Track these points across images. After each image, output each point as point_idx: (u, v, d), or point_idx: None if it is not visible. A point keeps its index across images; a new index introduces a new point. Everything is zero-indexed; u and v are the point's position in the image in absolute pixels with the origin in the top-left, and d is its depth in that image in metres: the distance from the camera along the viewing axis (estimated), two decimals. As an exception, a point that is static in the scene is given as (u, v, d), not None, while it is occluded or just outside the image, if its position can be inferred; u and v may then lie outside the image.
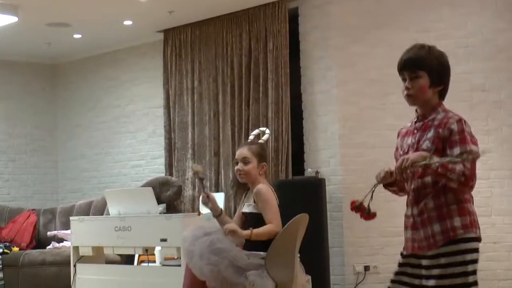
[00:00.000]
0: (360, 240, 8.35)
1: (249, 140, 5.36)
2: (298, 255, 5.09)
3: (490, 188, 8.17)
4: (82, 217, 8.17)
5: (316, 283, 5.83)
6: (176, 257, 6.64)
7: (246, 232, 4.84)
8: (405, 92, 3.68)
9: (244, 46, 9.41)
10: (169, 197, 8.79)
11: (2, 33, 9.76)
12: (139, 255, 7.84)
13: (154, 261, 7.31)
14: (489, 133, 8.27)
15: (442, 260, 3.49)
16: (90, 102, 11.64)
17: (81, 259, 7.10)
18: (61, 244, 9.08)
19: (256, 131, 5.42)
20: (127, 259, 8.15)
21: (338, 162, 8.57)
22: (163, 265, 6.94)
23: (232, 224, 4.91)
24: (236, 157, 5.14)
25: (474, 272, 3.47)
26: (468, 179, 3.44)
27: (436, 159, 3.44)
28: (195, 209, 9.29)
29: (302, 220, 5.00)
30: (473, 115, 8.10)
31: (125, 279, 6.81)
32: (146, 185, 8.58)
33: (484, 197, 8.05)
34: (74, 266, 7.12)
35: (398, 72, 3.75)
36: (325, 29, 8.78)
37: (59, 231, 9.35)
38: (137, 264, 7.87)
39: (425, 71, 3.62)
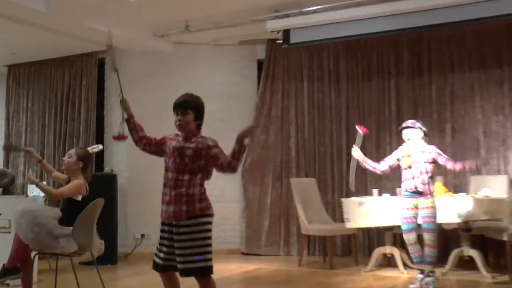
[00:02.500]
0: (138, 217, 8.47)
1: (80, 146, 5.30)
2: (96, 226, 5.08)
3: (224, 185, 8.49)
4: None
5: (108, 246, 5.72)
6: (7, 227, 6.28)
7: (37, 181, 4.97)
8: (178, 123, 3.76)
9: (66, 81, 9.31)
10: (5, 184, 7.81)
11: None
12: (-20, 225, 7.34)
13: (-9, 229, 6.87)
14: (226, 149, 8.17)
15: (184, 229, 3.64)
16: None
17: None
18: None
19: (95, 145, 5.58)
20: (-30, 228, 7.54)
21: (126, 164, 8.64)
22: (-2, 232, 6.46)
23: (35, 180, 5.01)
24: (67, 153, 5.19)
25: (209, 233, 3.69)
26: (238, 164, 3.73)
27: None
28: (24, 193, 8.65)
29: (99, 203, 5.04)
30: (216, 137, 7.90)
31: (-33, 243, 6.30)
32: (-12, 175, 8.09)
33: (220, 190, 8.40)
34: None
35: (173, 109, 3.79)
36: (122, 73, 8.11)
37: None
38: (-23, 231, 7.15)
39: (192, 110, 3.76)
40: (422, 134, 5.90)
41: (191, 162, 3.72)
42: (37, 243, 4.79)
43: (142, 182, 8.49)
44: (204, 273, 3.67)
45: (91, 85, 9.10)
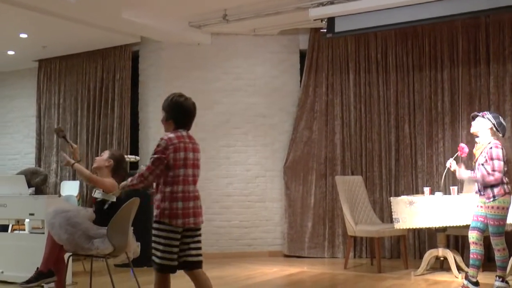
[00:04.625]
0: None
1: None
2: (132, 227, 5.16)
3: (265, 183, 8.72)
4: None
5: (144, 248, 5.51)
6: (40, 227, 6.54)
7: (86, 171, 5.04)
8: None
9: (98, 75, 9.47)
10: (37, 183, 8.48)
11: None
12: (13, 225, 7.48)
13: (24, 230, 7.09)
14: (266, 145, 8.76)
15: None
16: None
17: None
18: (-51, 216, 8.87)
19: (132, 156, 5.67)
20: (3, 228, 7.59)
21: (163, 161, 8.82)
22: (31, 232, 6.69)
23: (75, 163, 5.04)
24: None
25: (159, 243, 3.97)
26: (140, 176, 3.98)
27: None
28: (57, 192, 9.12)
29: (134, 202, 5.06)
30: (256, 133, 8.71)
31: (1, 243, 6.69)
32: (20, 173, 8.32)
33: (261, 189, 8.69)
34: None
35: None
36: (157, 67, 8.93)
37: None
38: (11, 231, 7.41)
39: (164, 111, 4.17)
40: (491, 127, 5.66)
41: None
42: (71, 244, 4.87)
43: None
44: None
45: (125, 80, 9.22)
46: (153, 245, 4.04)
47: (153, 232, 4.04)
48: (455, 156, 6.22)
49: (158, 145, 4.00)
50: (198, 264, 4.16)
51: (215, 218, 8.65)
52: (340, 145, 8.62)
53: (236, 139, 8.84)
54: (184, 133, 4.12)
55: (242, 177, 8.82)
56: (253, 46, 8.97)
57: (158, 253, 4.00)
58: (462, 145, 6.23)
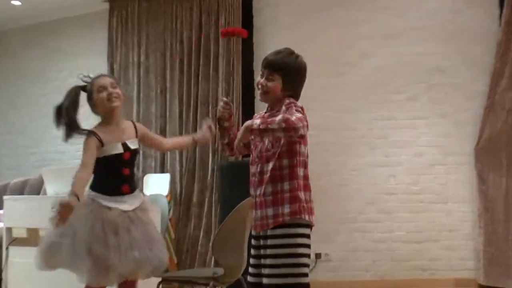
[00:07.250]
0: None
1: None
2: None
3: (446, 174, 7.97)
4: (17, 196, 7.84)
5: None
6: None
7: None
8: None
9: (195, 20, 8.96)
10: None
11: None
12: (81, 238, 7.30)
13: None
14: (446, 117, 8.06)
15: (269, 242, 3.62)
16: (32, 72, 10.73)
17: (15, 241, 6.52)
18: (-7, 224, 8.60)
19: None
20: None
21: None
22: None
23: None
24: None
25: (303, 255, 3.59)
26: (288, 122, 3.44)
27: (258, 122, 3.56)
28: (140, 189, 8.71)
29: (249, 204, 4.37)
30: (430, 98, 8.17)
31: (64, 264, 6.44)
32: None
33: (440, 184, 7.90)
34: (7, 248, 6.54)
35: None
36: (277, 6, 8.56)
37: (-10, 211, 8.90)
38: (78, 248, 7.23)
39: (279, 70, 3.84)
40: None
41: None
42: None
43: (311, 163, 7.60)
44: None
45: (233, 25, 8.69)
46: (296, 260, 3.59)
47: (294, 240, 3.62)
48: None
49: (296, 106, 3.70)
50: None
51: (371, 229, 8.03)
52: None
53: (397, 109, 8.13)
54: None
55: (409, 165, 8.04)
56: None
57: (305, 270, 3.66)
58: None
